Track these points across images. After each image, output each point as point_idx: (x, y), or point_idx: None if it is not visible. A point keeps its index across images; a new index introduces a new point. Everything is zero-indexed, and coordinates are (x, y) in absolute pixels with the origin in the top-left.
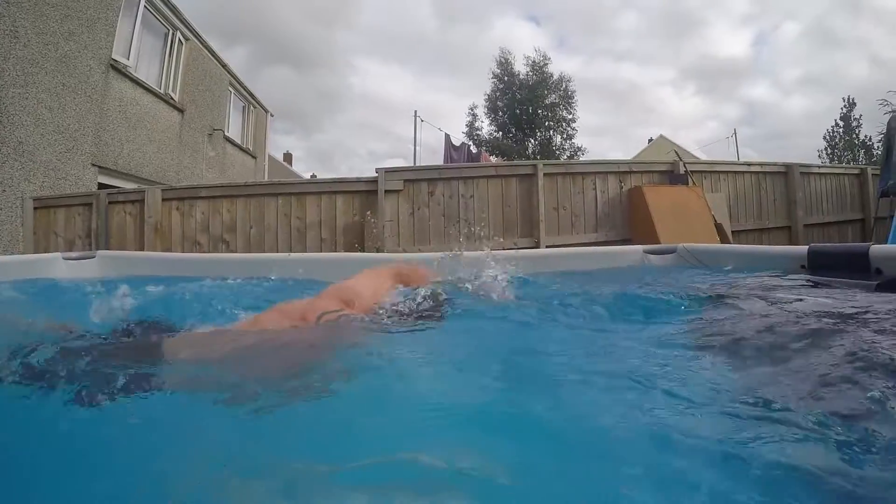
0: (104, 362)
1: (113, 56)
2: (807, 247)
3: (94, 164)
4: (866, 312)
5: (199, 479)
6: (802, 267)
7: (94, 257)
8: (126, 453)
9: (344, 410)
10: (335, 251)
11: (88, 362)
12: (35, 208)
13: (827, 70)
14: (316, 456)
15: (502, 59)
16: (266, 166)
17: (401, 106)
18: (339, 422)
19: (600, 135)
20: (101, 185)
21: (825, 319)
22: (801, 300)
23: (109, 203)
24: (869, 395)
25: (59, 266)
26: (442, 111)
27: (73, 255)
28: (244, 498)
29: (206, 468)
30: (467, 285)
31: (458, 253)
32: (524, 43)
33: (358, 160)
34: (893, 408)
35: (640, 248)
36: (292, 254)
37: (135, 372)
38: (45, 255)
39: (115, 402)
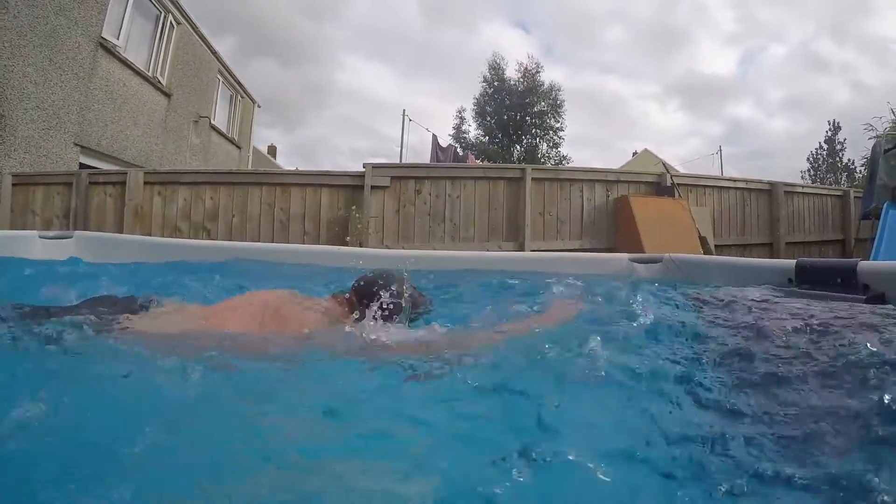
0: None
1: (102, 35)
2: (795, 261)
3: (76, 144)
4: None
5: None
6: (790, 280)
7: (71, 238)
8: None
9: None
10: (318, 244)
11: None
12: (13, 185)
13: (810, 93)
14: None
15: (494, 64)
16: (250, 157)
17: (385, 105)
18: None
19: (582, 145)
20: (83, 166)
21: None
22: (792, 313)
23: (90, 183)
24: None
25: (34, 245)
26: (425, 113)
27: (50, 234)
28: None
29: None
30: None
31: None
32: (512, 50)
33: (341, 157)
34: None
35: (626, 256)
36: (272, 244)
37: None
38: (22, 232)
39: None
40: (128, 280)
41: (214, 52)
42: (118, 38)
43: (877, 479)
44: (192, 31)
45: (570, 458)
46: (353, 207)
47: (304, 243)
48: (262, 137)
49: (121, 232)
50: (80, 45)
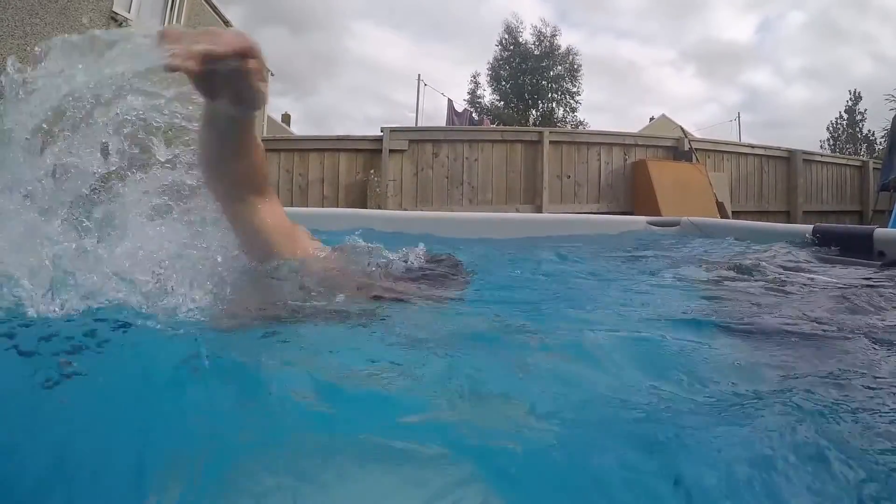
0: None
1: (114, 9)
2: (812, 226)
3: None
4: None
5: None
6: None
7: None
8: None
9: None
10: (338, 208)
11: None
12: None
13: (829, 63)
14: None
15: (512, 25)
16: (265, 125)
17: (398, 72)
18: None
19: (598, 111)
20: None
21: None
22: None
23: None
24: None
25: None
26: (438, 80)
27: None
28: None
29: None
30: None
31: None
32: (526, 13)
33: (354, 125)
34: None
35: (643, 218)
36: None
37: None
38: None
39: None
40: None
41: (226, 22)
42: (129, 12)
43: None
44: (202, 1)
45: None
46: (372, 171)
47: (323, 207)
48: (274, 106)
49: None
50: (91, 21)
